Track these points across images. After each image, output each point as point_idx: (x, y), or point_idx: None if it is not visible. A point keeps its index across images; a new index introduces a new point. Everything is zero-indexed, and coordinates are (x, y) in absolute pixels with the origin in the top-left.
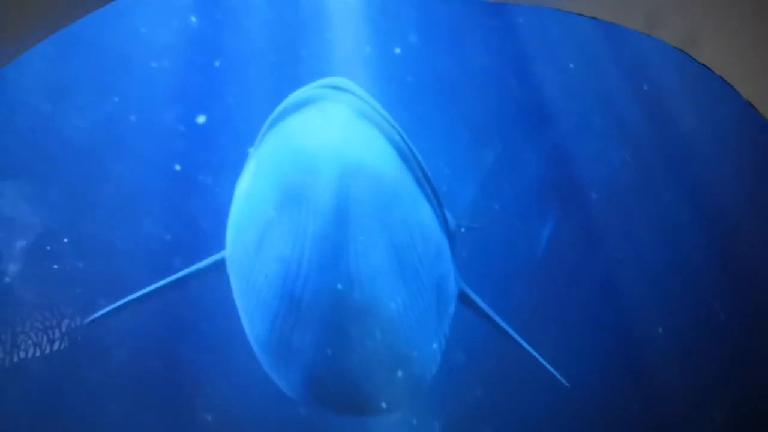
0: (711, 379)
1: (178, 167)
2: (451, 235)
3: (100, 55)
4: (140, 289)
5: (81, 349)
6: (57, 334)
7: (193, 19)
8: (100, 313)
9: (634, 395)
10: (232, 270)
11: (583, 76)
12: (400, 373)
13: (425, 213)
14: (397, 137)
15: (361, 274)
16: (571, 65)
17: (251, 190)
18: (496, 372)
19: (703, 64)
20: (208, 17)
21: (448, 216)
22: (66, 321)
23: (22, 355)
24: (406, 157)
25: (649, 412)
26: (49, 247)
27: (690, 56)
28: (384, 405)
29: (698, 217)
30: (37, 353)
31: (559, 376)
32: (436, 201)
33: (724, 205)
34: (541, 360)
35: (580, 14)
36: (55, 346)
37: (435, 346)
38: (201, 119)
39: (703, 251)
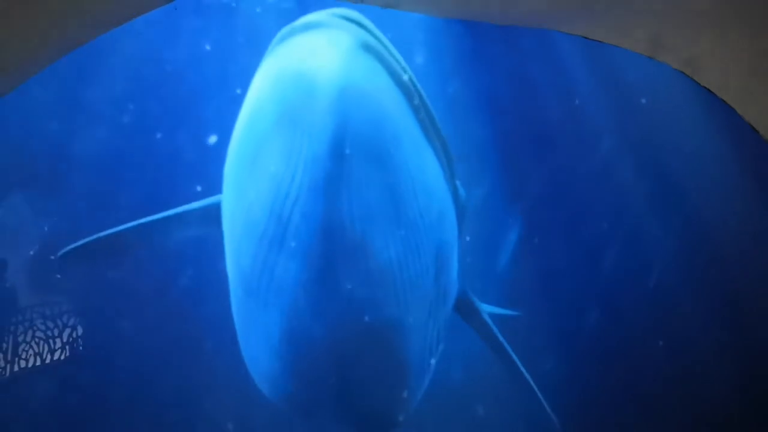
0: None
1: (199, 188)
2: (460, 207)
3: (116, 74)
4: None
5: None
6: (60, 343)
7: (208, 47)
8: (81, 242)
9: (634, 409)
10: (227, 185)
11: (585, 98)
12: (390, 336)
13: (430, 166)
14: (407, 81)
15: (353, 208)
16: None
17: (252, 106)
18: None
19: (705, 87)
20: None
21: (460, 188)
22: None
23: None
24: (414, 103)
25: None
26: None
27: (692, 79)
28: (366, 369)
29: (698, 234)
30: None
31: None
32: (446, 161)
33: (725, 223)
34: (536, 390)
35: (585, 37)
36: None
37: (432, 331)
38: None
39: (702, 268)
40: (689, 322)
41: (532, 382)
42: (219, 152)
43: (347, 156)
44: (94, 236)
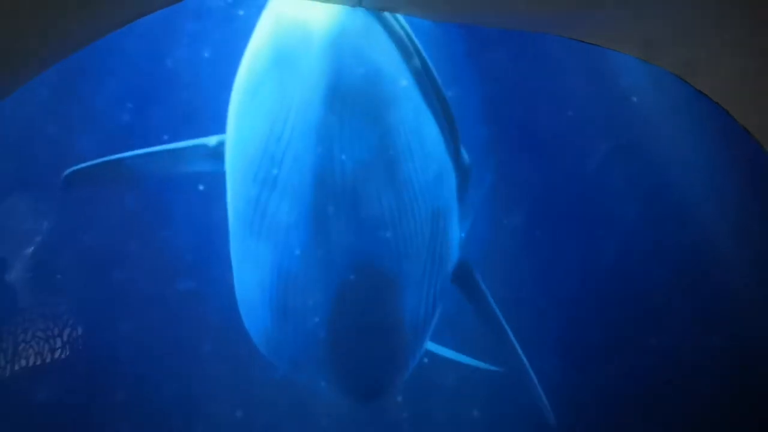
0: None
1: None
2: (463, 175)
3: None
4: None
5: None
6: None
7: (209, 49)
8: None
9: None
10: (229, 123)
11: (583, 101)
12: (379, 288)
13: (428, 129)
14: (406, 41)
15: (345, 157)
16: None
17: (253, 44)
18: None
19: (701, 92)
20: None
21: (465, 156)
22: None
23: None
24: (413, 63)
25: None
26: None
27: (688, 83)
28: (354, 319)
29: (692, 235)
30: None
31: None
32: (448, 127)
33: (719, 225)
34: (534, 379)
35: (581, 41)
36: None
37: (427, 294)
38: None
39: (698, 270)
40: (682, 322)
41: (530, 369)
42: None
43: (339, 104)
44: (101, 159)
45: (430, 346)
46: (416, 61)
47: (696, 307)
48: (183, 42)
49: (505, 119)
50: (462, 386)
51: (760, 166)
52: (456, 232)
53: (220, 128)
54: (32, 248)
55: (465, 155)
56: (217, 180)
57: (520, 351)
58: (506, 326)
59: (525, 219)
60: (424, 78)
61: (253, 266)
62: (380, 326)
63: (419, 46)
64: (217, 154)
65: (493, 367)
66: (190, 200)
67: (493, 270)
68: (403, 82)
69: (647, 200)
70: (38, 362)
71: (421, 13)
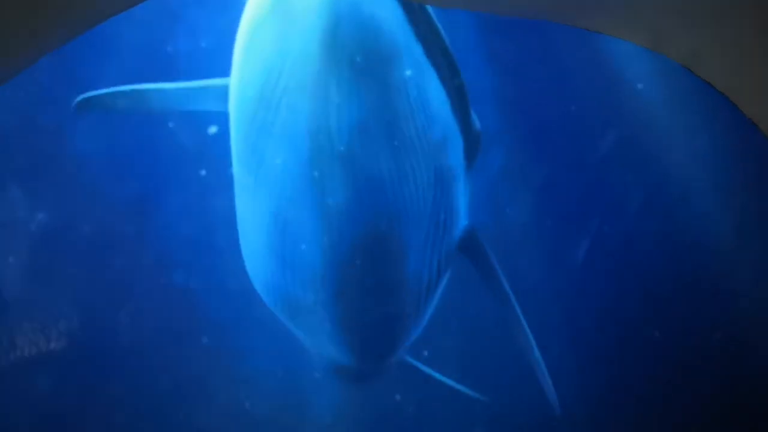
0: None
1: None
2: (472, 141)
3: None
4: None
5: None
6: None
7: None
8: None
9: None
10: (233, 66)
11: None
12: (378, 248)
13: (433, 92)
14: (413, 2)
15: (342, 113)
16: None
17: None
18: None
19: (706, 81)
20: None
21: (475, 123)
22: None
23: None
24: (418, 26)
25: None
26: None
27: (693, 73)
28: (353, 278)
29: (695, 227)
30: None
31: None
32: (456, 92)
33: (723, 216)
34: (540, 360)
35: (587, 29)
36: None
37: (431, 260)
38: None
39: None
40: (685, 314)
41: (535, 346)
42: (220, 141)
43: (336, 57)
44: (114, 89)
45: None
46: (421, 18)
47: (699, 298)
48: (182, 29)
49: (512, 108)
50: (464, 379)
51: (765, 157)
52: (462, 199)
53: (221, 115)
54: (28, 238)
55: (476, 120)
56: (216, 173)
57: (525, 325)
58: (513, 298)
59: (528, 210)
60: (429, 36)
61: (253, 211)
62: (379, 286)
63: (429, 9)
64: (224, 95)
65: (476, 395)
66: (189, 191)
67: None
68: (405, 38)
69: (651, 191)
70: (35, 353)
71: None
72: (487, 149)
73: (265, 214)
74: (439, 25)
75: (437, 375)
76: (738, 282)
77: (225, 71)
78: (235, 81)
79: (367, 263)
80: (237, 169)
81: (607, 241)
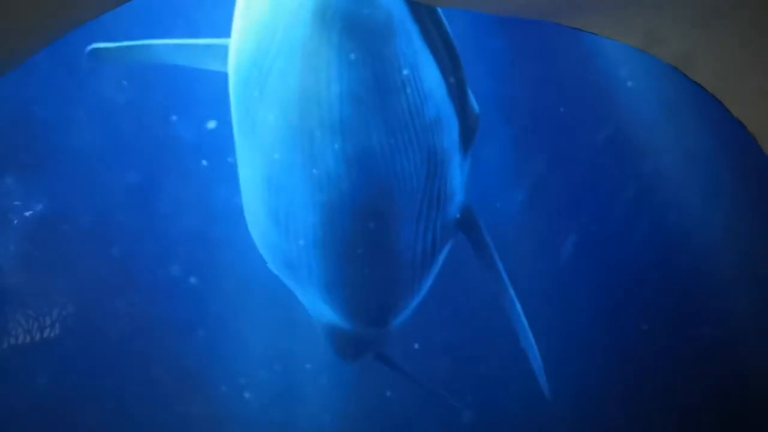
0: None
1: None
2: (470, 123)
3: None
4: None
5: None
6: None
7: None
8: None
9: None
10: (233, 26)
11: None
12: (366, 218)
13: (427, 71)
14: None
15: (332, 83)
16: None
17: None
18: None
19: (697, 83)
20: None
21: (474, 106)
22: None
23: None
24: (414, 7)
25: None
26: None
27: (684, 74)
28: (344, 246)
29: (683, 229)
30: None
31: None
32: (452, 73)
33: (712, 218)
34: (533, 343)
35: (581, 30)
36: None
37: (424, 235)
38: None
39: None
40: (673, 310)
41: (527, 328)
42: (219, 135)
43: (327, 27)
44: (125, 43)
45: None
46: (422, 8)
47: (687, 294)
48: (181, 23)
49: (504, 105)
50: (456, 373)
51: (754, 159)
52: (457, 179)
53: (221, 111)
54: (26, 228)
55: (474, 104)
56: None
57: (518, 306)
58: (506, 279)
59: (517, 205)
60: (426, 16)
61: (249, 171)
62: (370, 253)
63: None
64: (226, 55)
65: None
66: (189, 184)
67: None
68: (400, 15)
69: (641, 191)
70: (30, 341)
71: None
72: (478, 145)
73: (258, 175)
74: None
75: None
76: (725, 279)
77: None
78: (232, 43)
79: (358, 231)
80: (235, 131)
81: (596, 238)
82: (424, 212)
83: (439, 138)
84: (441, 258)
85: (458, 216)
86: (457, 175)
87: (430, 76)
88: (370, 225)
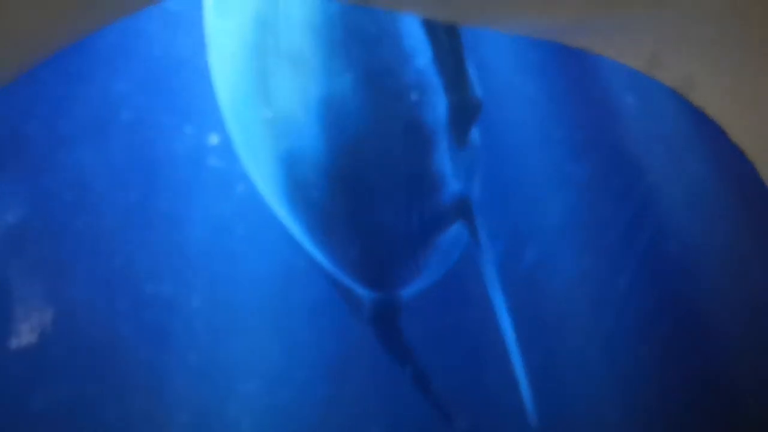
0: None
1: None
2: (464, 103)
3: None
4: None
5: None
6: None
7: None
8: None
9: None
10: None
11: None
12: (353, 177)
13: (411, 26)
14: None
15: (290, 15)
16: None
17: None
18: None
19: (699, 106)
20: None
21: (474, 90)
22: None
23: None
24: None
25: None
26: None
27: (686, 99)
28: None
29: (678, 249)
30: None
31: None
32: (445, 46)
33: (707, 244)
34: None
35: (583, 50)
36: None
37: (406, 211)
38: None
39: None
40: (669, 340)
41: (514, 343)
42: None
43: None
44: None
45: None
46: None
47: (680, 320)
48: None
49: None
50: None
51: (752, 186)
52: (447, 165)
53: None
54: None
55: (476, 91)
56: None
57: (504, 309)
58: (497, 279)
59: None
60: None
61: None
62: (355, 221)
63: None
64: None
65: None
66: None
67: None
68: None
69: (636, 212)
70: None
71: (423, 12)
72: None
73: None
74: None
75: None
76: (722, 305)
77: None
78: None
79: (337, 193)
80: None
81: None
82: (403, 188)
83: (419, 109)
84: (441, 245)
85: (450, 206)
86: (447, 161)
87: (413, 36)
88: (348, 187)
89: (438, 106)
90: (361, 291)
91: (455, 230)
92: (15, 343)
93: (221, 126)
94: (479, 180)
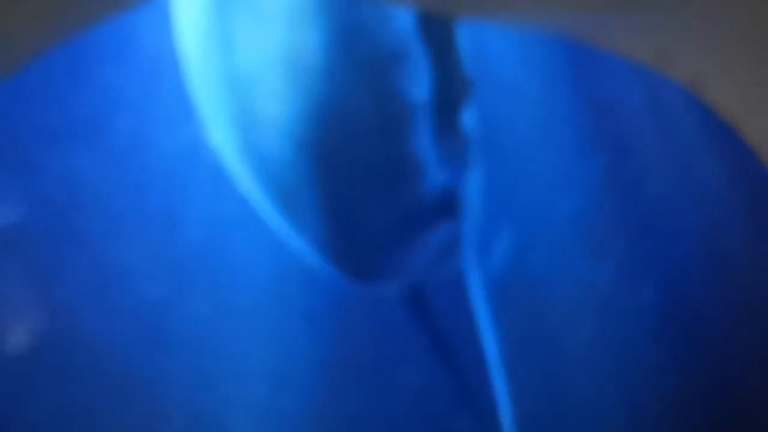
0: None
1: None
2: (452, 82)
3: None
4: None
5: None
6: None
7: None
8: None
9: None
10: None
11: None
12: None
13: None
14: None
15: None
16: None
17: None
18: None
19: (711, 103)
20: None
21: (466, 72)
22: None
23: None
24: None
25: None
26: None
27: (696, 95)
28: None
29: (690, 251)
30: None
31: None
32: (434, 18)
33: (716, 243)
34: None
35: (594, 45)
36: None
37: (388, 195)
38: None
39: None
40: (677, 350)
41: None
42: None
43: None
44: None
45: None
46: None
47: (688, 332)
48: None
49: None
50: None
51: (766, 187)
52: (424, 147)
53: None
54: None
55: (467, 71)
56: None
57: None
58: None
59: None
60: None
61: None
62: (323, 198)
63: None
64: None
65: None
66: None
67: None
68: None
69: (645, 214)
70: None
71: (425, 6)
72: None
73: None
74: None
75: None
76: (731, 318)
77: None
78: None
79: (300, 161)
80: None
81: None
82: (374, 170)
83: (397, 78)
84: (431, 243)
85: (433, 198)
86: (429, 146)
87: (400, 15)
88: (309, 140)
89: (421, 81)
90: (339, 279)
91: (449, 228)
92: (7, 347)
93: None
94: (477, 176)
